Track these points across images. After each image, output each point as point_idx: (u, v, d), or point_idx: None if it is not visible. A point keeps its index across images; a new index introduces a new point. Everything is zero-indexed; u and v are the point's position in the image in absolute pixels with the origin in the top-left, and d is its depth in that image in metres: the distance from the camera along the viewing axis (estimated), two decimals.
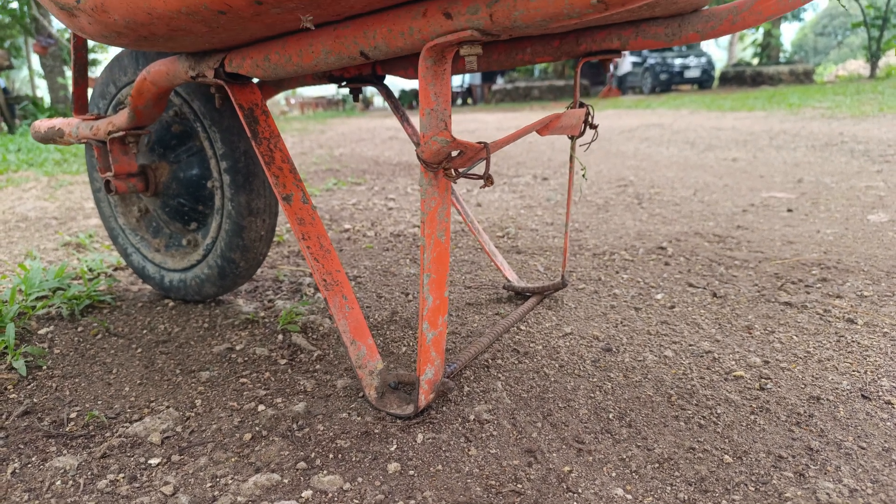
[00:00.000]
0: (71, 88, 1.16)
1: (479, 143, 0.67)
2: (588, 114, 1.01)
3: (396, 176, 3.08)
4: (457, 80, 20.62)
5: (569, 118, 0.94)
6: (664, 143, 4.00)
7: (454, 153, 0.68)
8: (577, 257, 1.50)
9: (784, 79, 13.30)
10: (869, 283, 1.22)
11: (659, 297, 1.19)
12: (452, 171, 0.68)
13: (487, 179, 0.67)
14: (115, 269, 1.49)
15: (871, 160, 2.85)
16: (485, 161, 0.75)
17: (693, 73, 14.07)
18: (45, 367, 0.97)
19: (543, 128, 0.85)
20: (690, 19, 0.96)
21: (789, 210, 1.91)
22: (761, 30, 17.24)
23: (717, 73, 14.81)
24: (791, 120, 5.41)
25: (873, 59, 13.95)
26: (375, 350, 0.85)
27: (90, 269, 1.47)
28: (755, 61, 17.90)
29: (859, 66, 20.55)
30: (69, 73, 12.39)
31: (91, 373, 0.95)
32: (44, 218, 2.25)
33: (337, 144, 5.08)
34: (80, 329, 1.12)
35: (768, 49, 17.04)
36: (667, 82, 14.07)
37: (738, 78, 13.65)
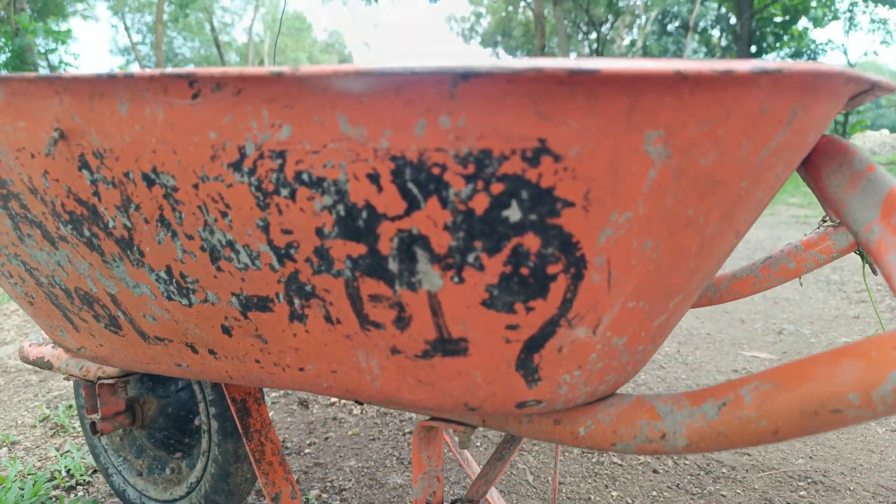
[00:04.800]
0: None
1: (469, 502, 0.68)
2: None
3: None
4: None
5: None
6: None
7: None
8: (566, 454, 1.49)
9: None
10: None
11: None
12: None
13: None
14: (94, 473, 1.45)
15: (848, 298, 2.93)
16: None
17: None
18: None
19: None
20: None
21: None
22: None
23: None
24: (767, 225, 5.59)
25: None
26: None
27: (68, 472, 1.43)
28: None
29: None
30: None
31: None
32: (23, 371, 2.21)
33: None
34: None
35: None
36: None
37: None
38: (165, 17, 17.47)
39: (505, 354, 0.45)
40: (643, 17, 23.95)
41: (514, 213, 0.39)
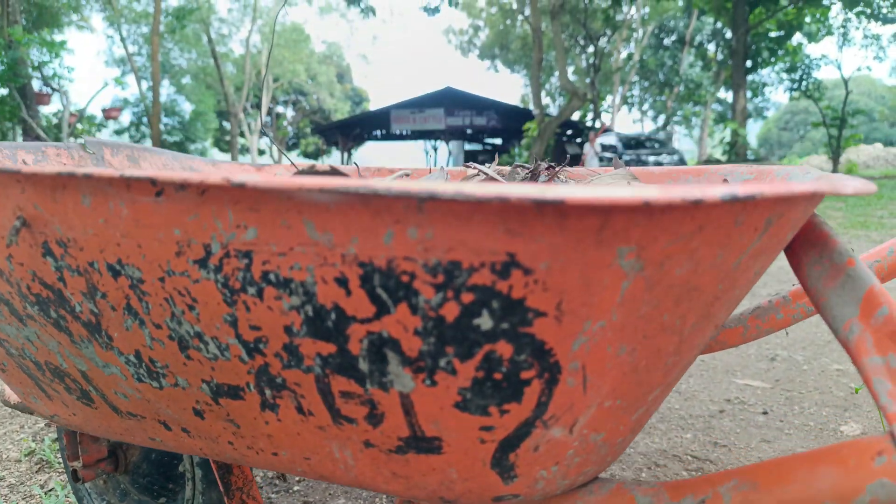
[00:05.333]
0: None
1: None
2: None
3: None
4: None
5: None
6: None
7: None
8: None
9: None
10: None
11: None
12: None
13: None
14: None
15: None
16: None
17: None
18: None
19: None
20: None
21: (764, 413, 1.93)
22: (728, 129, 18.14)
23: None
24: None
25: (834, 155, 14.74)
26: None
27: None
28: (724, 159, 18.68)
29: (822, 161, 21.61)
30: None
31: None
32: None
33: None
34: None
35: (736, 147, 17.85)
36: None
37: None
38: (161, 28, 17.51)
39: (480, 454, 0.44)
40: (640, 32, 24.15)
41: (485, 322, 0.38)
